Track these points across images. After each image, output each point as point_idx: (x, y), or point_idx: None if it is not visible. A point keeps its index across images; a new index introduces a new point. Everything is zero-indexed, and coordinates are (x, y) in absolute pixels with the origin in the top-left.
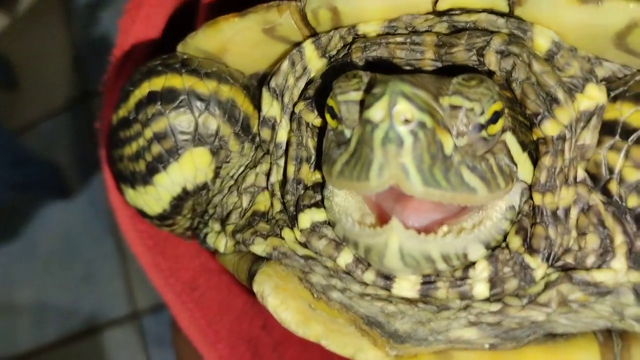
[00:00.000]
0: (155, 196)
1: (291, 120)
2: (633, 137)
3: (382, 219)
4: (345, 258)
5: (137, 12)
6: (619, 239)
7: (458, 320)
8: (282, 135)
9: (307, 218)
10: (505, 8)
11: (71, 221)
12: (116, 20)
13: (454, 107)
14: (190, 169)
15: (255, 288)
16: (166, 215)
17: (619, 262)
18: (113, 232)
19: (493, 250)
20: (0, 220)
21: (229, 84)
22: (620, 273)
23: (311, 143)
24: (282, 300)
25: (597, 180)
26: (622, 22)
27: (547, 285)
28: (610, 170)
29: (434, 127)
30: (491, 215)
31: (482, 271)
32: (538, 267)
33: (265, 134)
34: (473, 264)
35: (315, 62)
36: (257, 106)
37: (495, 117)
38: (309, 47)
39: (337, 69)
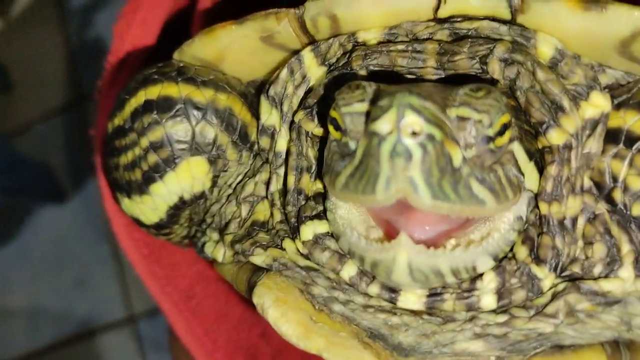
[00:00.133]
0: (151, 205)
1: (291, 129)
2: (637, 145)
3: (388, 231)
4: (349, 271)
5: (133, 16)
6: (626, 247)
7: (463, 333)
8: (281, 144)
9: (309, 230)
10: (507, 15)
11: (65, 225)
12: (111, 23)
13: (462, 119)
14: (187, 178)
15: (256, 300)
16: (163, 224)
17: (627, 271)
18: (108, 236)
19: (500, 261)
20: None
21: (226, 92)
22: (628, 282)
23: (311, 152)
24: (282, 312)
25: (601, 189)
26: (626, 30)
27: (555, 296)
28: (615, 179)
29: (442, 139)
30: (499, 226)
31: (489, 282)
32: (545, 277)
33: (265, 142)
34: (480, 275)
35: (314, 70)
36: (255, 114)
37: (503, 129)
38: (308, 55)
39: (338, 78)
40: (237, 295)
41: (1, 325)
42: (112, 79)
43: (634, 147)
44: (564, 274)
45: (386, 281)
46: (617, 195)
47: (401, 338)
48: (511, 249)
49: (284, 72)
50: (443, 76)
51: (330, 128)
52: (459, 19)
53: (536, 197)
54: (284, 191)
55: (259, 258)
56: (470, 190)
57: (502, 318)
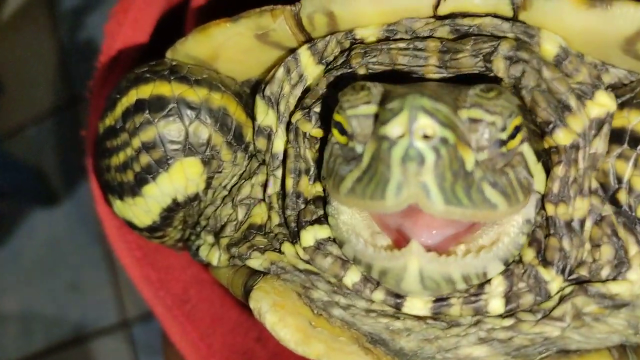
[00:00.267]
0: (144, 208)
1: (288, 130)
2: None
3: (395, 237)
4: (352, 277)
5: (125, 16)
6: (634, 249)
7: (468, 337)
8: (278, 146)
9: (310, 236)
10: (509, 12)
11: (57, 228)
12: (102, 25)
13: (474, 121)
14: (180, 179)
15: (252, 305)
16: (156, 227)
17: (635, 273)
18: (100, 239)
19: (508, 265)
20: None
21: (221, 92)
22: (636, 284)
23: (309, 154)
24: (280, 317)
25: (605, 190)
26: (632, 28)
27: (562, 299)
28: (619, 180)
29: (455, 142)
30: (508, 230)
31: (497, 286)
32: (552, 279)
33: (261, 143)
34: (488, 279)
35: (311, 69)
36: (250, 114)
37: (515, 132)
38: (304, 54)
39: (337, 77)
40: (232, 299)
41: None
42: (104, 78)
43: (639, 147)
44: (571, 277)
45: (395, 289)
46: (622, 197)
47: (403, 343)
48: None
49: (280, 71)
50: (445, 75)
51: (335, 132)
52: (459, 16)
53: (543, 198)
54: (282, 194)
55: (256, 261)
56: (483, 194)
57: (508, 322)
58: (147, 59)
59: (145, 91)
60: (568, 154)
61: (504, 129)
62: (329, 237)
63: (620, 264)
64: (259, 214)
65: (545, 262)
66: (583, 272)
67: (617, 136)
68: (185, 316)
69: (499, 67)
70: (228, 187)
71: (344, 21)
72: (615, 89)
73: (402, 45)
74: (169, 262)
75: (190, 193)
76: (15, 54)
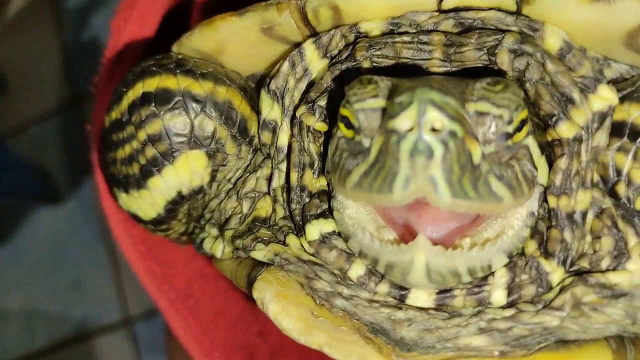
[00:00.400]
0: (149, 200)
1: (292, 124)
2: None
3: (400, 231)
4: (357, 270)
5: (130, 12)
6: (633, 240)
7: (468, 328)
8: (283, 139)
9: (315, 230)
10: (512, 7)
11: (61, 226)
12: (107, 24)
13: (481, 114)
14: (186, 172)
15: (256, 295)
16: (161, 219)
17: (635, 264)
18: (104, 237)
19: (512, 257)
20: None
21: (226, 85)
22: (636, 274)
23: (313, 148)
24: (283, 307)
25: (604, 183)
26: (634, 22)
27: (562, 289)
28: (618, 172)
29: (463, 136)
30: (512, 223)
31: (500, 278)
32: (554, 270)
33: (266, 137)
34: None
35: (316, 63)
36: (255, 108)
37: (521, 125)
38: (309, 48)
39: (341, 71)
40: (235, 293)
41: None
42: (109, 74)
43: (638, 141)
44: (572, 269)
45: (401, 282)
46: (621, 189)
47: (404, 333)
48: None
49: (285, 65)
50: (449, 68)
51: (341, 125)
52: (463, 9)
53: (545, 190)
54: (287, 187)
55: (260, 253)
56: (489, 187)
57: (509, 312)
58: (153, 54)
59: (151, 84)
60: (571, 146)
61: (510, 122)
62: (334, 231)
63: (620, 254)
64: (264, 207)
65: (547, 254)
66: (584, 263)
67: (617, 129)
68: (189, 310)
69: (504, 60)
70: (232, 181)
71: (349, 15)
72: (617, 83)
73: (406, 38)
74: (172, 257)
75: (195, 186)
76: (20, 52)
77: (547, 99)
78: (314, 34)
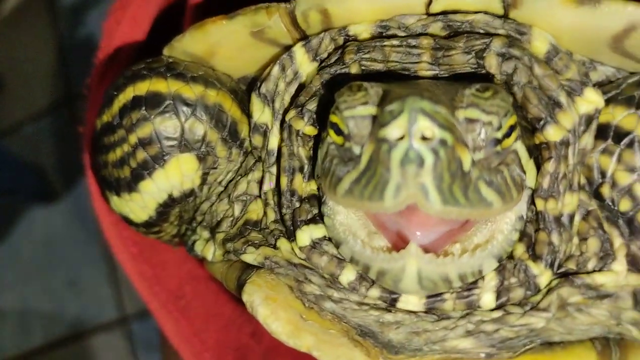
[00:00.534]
0: (140, 203)
1: (282, 128)
2: (625, 140)
3: (391, 237)
4: (348, 276)
5: (123, 13)
6: (618, 241)
7: (456, 330)
8: (273, 143)
9: (305, 236)
10: (499, 10)
11: (56, 225)
12: (102, 23)
13: (470, 121)
14: (176, 175)
15: (245, 298)
16: (152, 222)
17: (620, 265)
18: (99, 236)
19: (502, 261)
20: None
21: (216, 89)
22: (621, 275)
23: (303, 152)
24: (272, 310)
25: (589, 184)
26: (619, 25)
27: (548, 291)
28: (603, 174)
29: (453, 144)
30: (502, 227)
31: (489, 281)
32: (541, 273)
33: (257, 140)
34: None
35: (306, 66)
36: (245, 111)
37: (510, 131)
38: (299, 51)
39: (330, 74)
40: (226, 295)
41: None
42: (101, 75)
43: (622, 143)
44: (559, 271)
45: (392, 289)
46: (605, 191)
47: (391, 335)
48: None
49: (276, 69)
50: (438, 72)
51: (331, 132)
52: (452, 12)
53: (533, 193)
54: (278, 191)
55: (251, 256)
56: (480, 193)
57: (497, 314)
58: (145, 56)
59: (141, 88)
60: (558, 149)
61: (499, 128)
62: (325, 236)
63: (606, 255)
64: (255, 210)
65: (535, 257)
66: (571, 265)
67: (601, 132)
68: (180, 312)
69: (492, 63)
70: (223, 183)
71: (338, 18)
72: (603, 85)
73: (395, 42)
74: (164, 259)
75: (186, 189)
76: (14, 52)
77: (534, 102)
78: (304, 37)
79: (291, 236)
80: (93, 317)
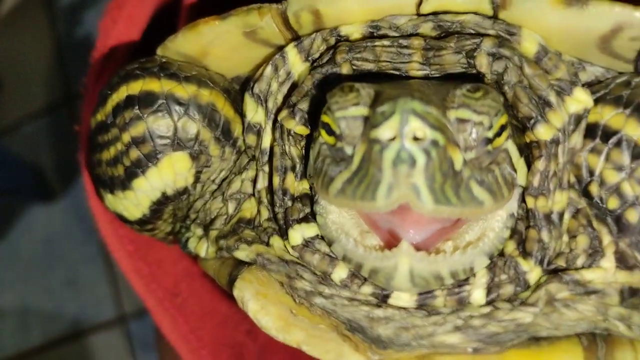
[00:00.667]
0: (134, 201)
1: (274, 127)
2: (613, 139)
3: (383, 235)
4: (340, 273)
5: (119, 12)
6: (607, 239)
7: (444, 326)
8: (266, 142)
9: (298, 235)
10: (489, 11)
11: (54, 224)
12: (99, 22)
13: (461, 121)
14: (169, 173)
15: (236, 293)
16: (146, 220)
17: (609, 261)
18: (97, 235)
19: (493, 258)
20: None
21: (209, 88)
22: (609, 272)
23: (295, 151)
24: (262, 305)
25: (579, 183)
26: (607, 26)
27: (537, 286)
28: (591, 173)
29: (445, 144)
30: (493, 225)
31: (480, 278)
32: (531, 270)
33: (251, 140)
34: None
35: (298, 67)
36: (238, 110)
37: (501, 130)
38: (291, 52)
39: (322, 74)
40: (222, 293)
41: None
42: (98, 75)
43: (610, 142)
44: (549, 268)
45: (385, 286)
46: (594, 189)
47: (380, 331)
48: None
49: (268, 69)
50: (428, 72)
51: (322, 132)
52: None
53: (524, 191)
54: (271, 190)
55: (243, 253)
56: (471, 192)
57: (486, 309)
58: (140, 56)
59: (135, 87)
60: (548, 148)
61: (490, 128)
62: (317, 235)
63: (595, 252)
64: (249, 209)
65: (525, 254)
66: (560, 262)
67: (590, 131)
68: (176, 309)
69: (482, 63)
70: (217, 182)
71: (330, 19)
72: (592, 85)
73: (386, 42)
74: (160, 256)
75: (179, 187)
76: (12, 51)
77: (525, 101)
78: (296, 37)
79: (284, 234)
80: (92, 315)
